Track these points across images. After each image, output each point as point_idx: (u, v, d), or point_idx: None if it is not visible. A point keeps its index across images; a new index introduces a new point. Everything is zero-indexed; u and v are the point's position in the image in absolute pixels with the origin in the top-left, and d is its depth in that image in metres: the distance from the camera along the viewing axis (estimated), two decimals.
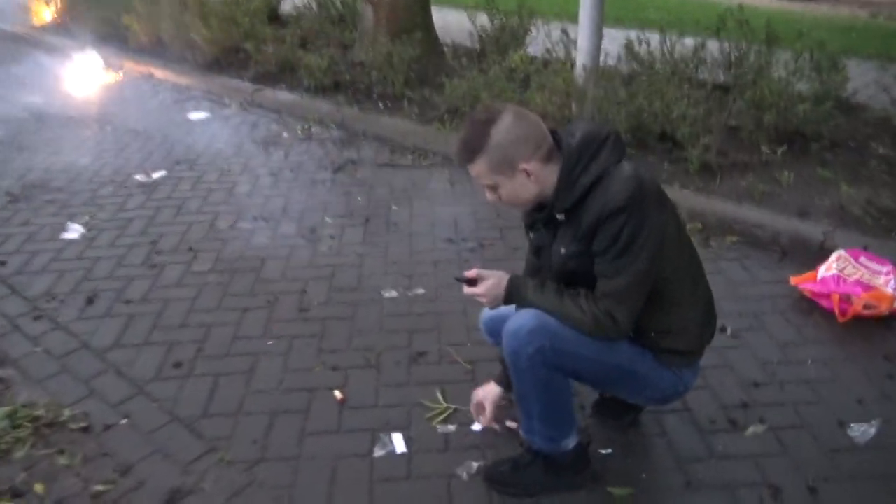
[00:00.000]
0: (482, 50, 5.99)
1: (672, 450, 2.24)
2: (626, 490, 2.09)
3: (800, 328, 2.82)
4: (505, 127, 1.75)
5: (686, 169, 4.01)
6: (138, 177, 4.45)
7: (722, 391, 2.47)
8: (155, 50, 7.07)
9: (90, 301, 3.15)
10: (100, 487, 2.17)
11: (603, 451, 2.23)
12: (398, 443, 2.29)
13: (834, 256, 2.98)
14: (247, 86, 6.03)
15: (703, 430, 2.30)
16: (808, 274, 2.98)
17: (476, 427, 2.34)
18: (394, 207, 3.97)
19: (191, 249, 3.58)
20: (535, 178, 1.78)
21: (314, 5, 7.30)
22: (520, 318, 1.84)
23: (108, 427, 2.41)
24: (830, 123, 4.24)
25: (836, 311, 2.81)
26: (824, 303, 2.87)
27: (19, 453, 2.30)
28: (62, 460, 2.27)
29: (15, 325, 2.98)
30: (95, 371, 2.69)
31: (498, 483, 2.11)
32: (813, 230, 3.34)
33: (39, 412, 2.46)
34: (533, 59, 5.32)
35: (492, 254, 3.46)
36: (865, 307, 2.76)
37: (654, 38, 4.83)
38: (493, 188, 1.82)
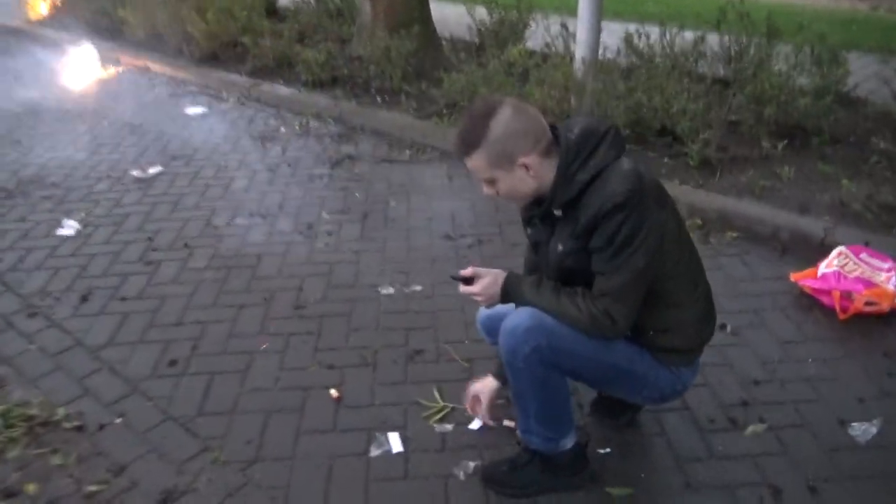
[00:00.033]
0: (481, 44, 5.95)
1: (671, 449, 2.22)
2: (624, 490, 2.07)
3: (800, 325, 2.79)
4: (504, 120, 1.72)
5: (686, 164, 3.98)
6: (134, 172, 4.42)
7: (721, 389, 2.45)
8: (151, 43, 7.03)
9: (85, 298, 3.13)
10: (93, 488, 2.15)
11: (601, 451, 2.21)
12: (395, 442, 2.27)
13: (835, 253, 2.95)
14: (244, 80, 5.99)
15: (702, 429, 2.28)
16: (809, 270, 2.96)
17: (473, 426, 2.32)
18: (391, 203, 3.95)
19: (187, 246, 3.55)
20: (534, 173, 1.75)
21: None
22: (516, 317, 1.81)
23: (102, 426, 2.40)
24: (831, 118, 4.20)
25: (837, 308, 2.78)
26: (825, 299, 2.84)
27: (12, 453, 2.28)
28: (56, 460, 2.26)
29: (9, 322, 2.96)
30: (90, 369, 2.68)
31: (495, 483, 2.09)
32: (813, 226, 3.31)
33: (33, 411, 2.45)
34: (532, 53, 5.28)
35: (490, 250, 3.44)
36: (866, 304, 2.73)
37: (654, 31, 4.79)
38: (491, 182, 1.80)
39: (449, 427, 2.33)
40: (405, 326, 2.87)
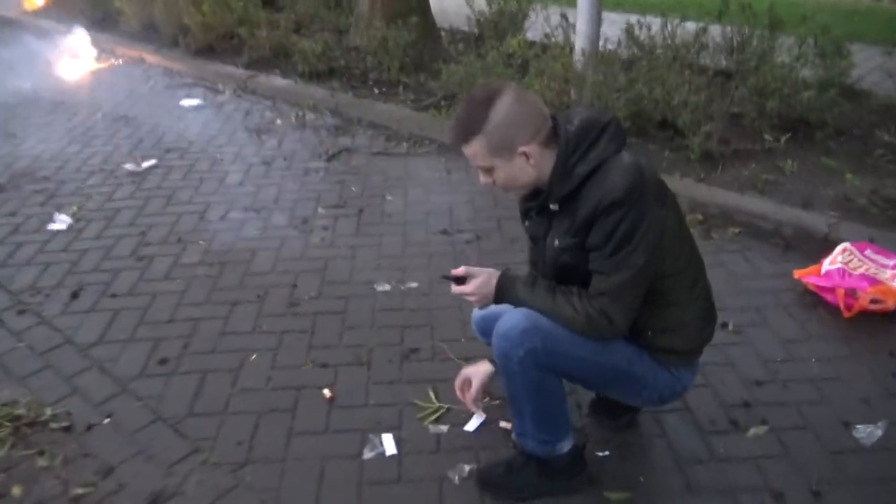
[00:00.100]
0: (480, 35, 5.88)
1: (671, 451, 2.16)
2: (623, 494, 2.02)
3: (803, 324, 2.74)
4: (505, 107, 1.65)
5: (687, 157, 3.92)
6: (128, 166, 4.36)
7: (723, 390, 2.40)
8: (147, 35, 6.97)
9: (75, 295, 3.08)
10: (80, 490, 2.10)
11: (600, 454, 2.16)
12: (388, 444, 2.22)
13: (839, 249, 2.89)
14: (240, 72, 5.92)
15: (703, 430, 2.23)
16: (812, 267, 2.90)
17: (469, 427, 2.27)
18: (388, 197, 3.89)
19: (180, 241, 3.49)
20: (534, 163, 1.69)
21: None
22: (511, 319, 1.76)
23: (90, 427, 2.35)
24: (835, 111, 4.14)
25: (842, 306, 2.72)
26: (829, 297, 2.78)
27: None
28: (42, 462, 2.21)
29: None
30: (79, 368, 2.63)
31: (491, 486, 2.04)
32: (817, 221, 3.25)
33: (20, 411, 2.40)
34: (532, 44, 5.21)
35: (488, 246, 3.38)
36: (872, 302, 2.67)
37: (655, 22, 4.72)
38: (489, 171, 1.73)
39: (444, 428, 2.28)
40: (401, 324, 2.81)
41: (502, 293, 1.83)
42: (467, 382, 2.03)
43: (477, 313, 2.10)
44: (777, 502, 1.99)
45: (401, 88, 5.29)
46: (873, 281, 2.70)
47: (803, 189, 3.56)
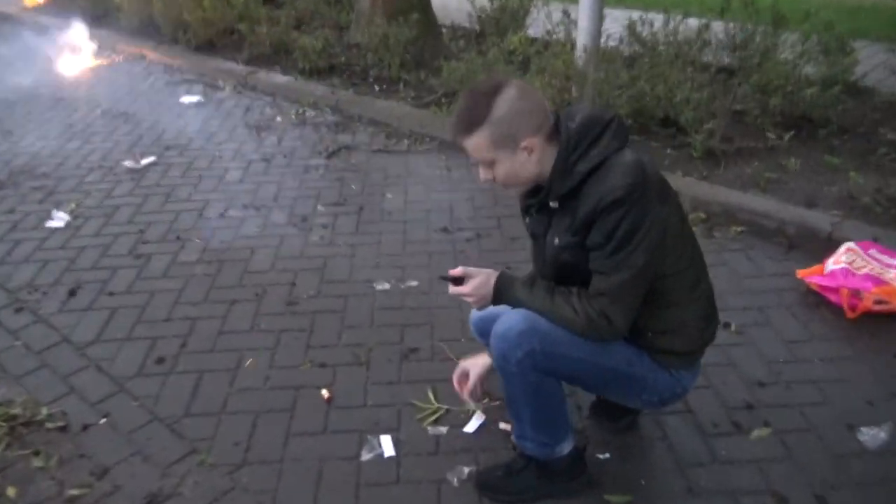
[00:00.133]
0: (481, 31, 5.85)
1: (673, 454, 2.14)
2: (624, 497, 2.00)
3: (806, 324, 2.71)
4: (509, 99, 1.63)
5: (689, 155, 3.89)
6: (127, 163, 4.34)
7: (725, 391, 2.37)
8: (147, 31, 6.94)
9: (73, 293, 3.06)
10: (75, 492, 2.09)
11: (600, 456, 2.13)
12: (387, 445, 2.19)
13: (843, 248, 2.86)
14: (240, 68, 5.89)
15: (705, 433, 2.20)
16: (816, 267, 2.87)
17: (468, 429, 2.25)
18: (388, 195, 3.86)
19: (178, 239, 3.47)
20: (536, 158, 1.67)
21: None
22: (509, 320, 1.73)
23: (86, 427, 2.33)
24: (838, 108, 4.11)
25: (845, 306, 2.69)
26: (832, 297, 2.76)
27: None
28: (37, 462, 2.19)
29: None
30: (76, 367, 2.61)
31: (489, 489, 2.02)
32: (821, 220, 3.22)
33: (16, 410, 2.38)
34: (533, 41, 5.18)
35: (489, 244, 3.35)
36: (876, 303, 2.64)
37: (658, 18, 4.69)
38: (490, 165, 1.70)
39: (443, 430, 2.26)
40: (400, 323, 2.79)
41: (500, 294, 1.80)
42: (465, 375, 2.00)
43: (475, 314, 2.08)
44: None
45: (401, 85, 5.26)
46: (878, 281, 2.67)
47: (806, 187, 3.53)
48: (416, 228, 3.51)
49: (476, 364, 2.04)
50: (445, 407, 2.33)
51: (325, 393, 2.42)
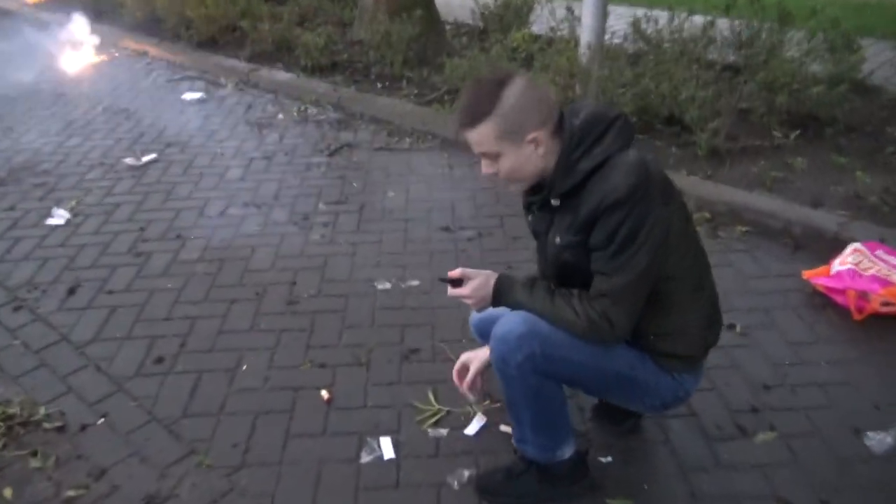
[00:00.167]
0: (484, 28, 5.81)
1: (675, 458, 2.11)
2: (626, 501, 1.97)
3: (812, 326, 2.67)
4: (516, 91, 1.60)
5: (694, 154, 3.85)
6: (128, 160, 4.31)
7: (729, 394, 2.34)
8: (149, 27, 6.92)
9: (72, 291, 3.04)
10: (71, 493, 2.07)
11: (602, 459, 2.10)
12: (386, 448, 2.17)
13: (849, 249, 2.82)
14: (243, 65, 5.86)
15: (709, 436, 2.17)
16: (822, 268, 2.83)
17: (469, 431, 2.22)
18: (390, 193, 3.83)
19: (178, 237, 3.45)
20: (542, 152, 1.64)
21: None
22: (508, 322, 1.71)
23: (84, 427, 2.31)
24: (845, 106, 4.07)
25: (852, 307, 2.66)
26: (839, 299, 2.72)
27: None
28: (35, 463, 2.18)
29: None
30: (74, 366, 2.59)
31: (490, 493, 1.99)
32: (827, 220, 3.18)
33: (14, 410, 2.37)
34: (537, 38, 5.14)
35: (490, 243, 3.32)
36: (883, 305, 2.60)
37: (663, 15, 4.64)
38: (495, 158, 1.66)
39: (443, 432, 2.23)
40: (401, 323, 2.76)
41: (500, 296, 1.78)
42: (465, 368, 1.95)
43: (475, 315, 2.05)
44: None
45: (404, 83, 5.22)
46: (885, 283, 2.63)
47: (813, 187, 3.49)
48: (418, 227, 3.48)
49: (476, 357, 1.97)
50: (446, 409, 2.31)
51: (324, 394, 2.40)
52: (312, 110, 5.04)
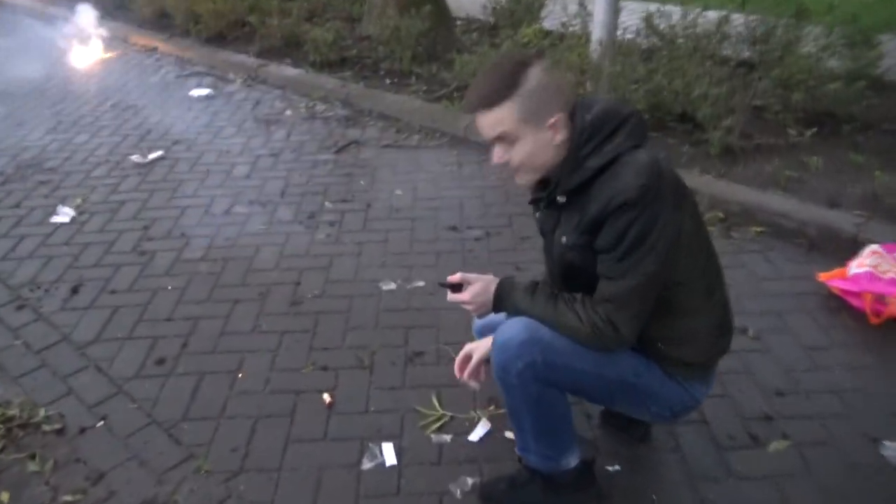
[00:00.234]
0: (495, 24, 5.74)
1: (685, 467, 2.05)
2: None
3: (828, 330, 2.60)
4: (540, 72, 1.55)
5: (707, 152, 3.77)
6: (134, 157, 4.29)
7: (742, 400, 2.27)
8: (159, 23, 6.91)
9: (75, 290, 3.01)
10: (68, 497, 2.04)
11: (609, 468, 2.05)
12: (388, 454, 2.12)
13: (867, 251, 2.75)
14: (251, 61, 5.83)
15: (720, 445, 2.11)
16: (838, 270, 2.76)
17: (473, 437, 2.17)
18: (397, 192, 3.78)
19: (183, 235, 3.42)
20: (560, 140, 1.57)
21: None
22: (509, 329, 1.65)
23: (83, 430, 2.29)
24: (863, 104, 3.98)
25: (869, 311, 2.59)
26: (855, 302, 2.65)
27: None
28: (32, 466, 2.15)
29: None
30: (75, 367, 2.56)
31: (493, 502, 1.94)
32: (844, 221, 3.10)
33: (13, 412, 2.34)
34: (548, 33, 5.07)
35: (498, 243, 3.26)
36: None
37: (676, 11, 4.57)
38: (511, 144, 1.58)
39: (447, 438, 2.18)
40: (405, 325, 2.72)
41: (500, 301, 1.73)
42: (467, 359, 1.86)
43: (478, 322, 1.99)
44: None
45: (413, 79, 5.17)
46: None
47: (829, 186, 3.40)
48: (425, 226, 3.43)
49: (480, 346, 1.87)
50: (450, 414, 2.26)
51: (326, 397, 2.36)
52: (320, 106, 5.00)
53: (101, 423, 2.31)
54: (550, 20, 5.48)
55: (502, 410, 2.21)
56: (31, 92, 5.54)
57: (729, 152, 3.73)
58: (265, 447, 2.19)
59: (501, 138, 1.59)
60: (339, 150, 4.31)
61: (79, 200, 3.78)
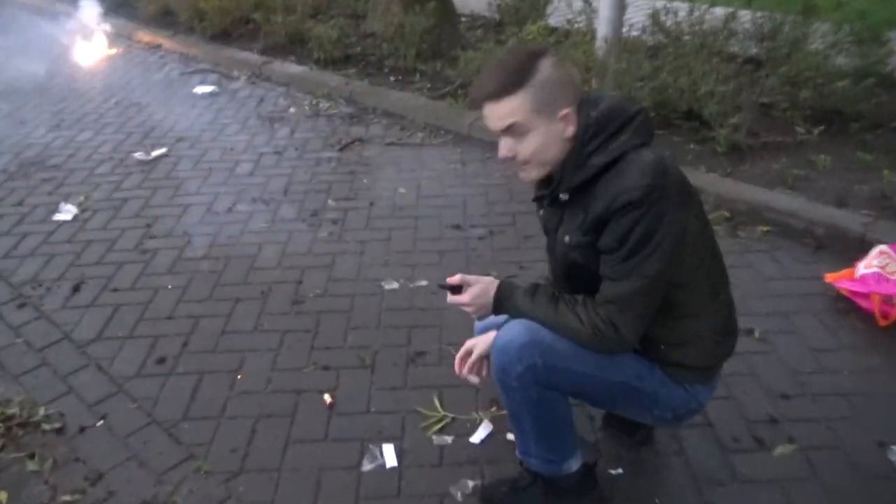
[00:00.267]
0: (500, 20, 5.71)
1: (689, 471, 2.02)
2: None
3: (835, 332, 2.57)
4: (550, 64, 1.53)
5: (713, 150, 3.74)
6: (137, 154, 4.28)
7: (747, 403, 2.24)
8: (163, 20, 6.90)
9: (76, 288, 3.00)
10: (67, 497, 2.03)
11: (612, 471, 2.02)
12: (389, 455, 2.10)
13: (875, 252, 2.71)
14: (255, 58, 5.81)
15: (724, 448, 2.08)
16: (846, 271, 2.73)
17: (475, 439, 2.15)
18: (400, 190, 3.76)
19: (185, 234, 3.40)
20: (569, 134, 1.55)
21: None
22: (509, 332, 1.63)
23: (82, 429, 2.27)
24: (872, 102, 3.95)
25: (877, 313, 2.55)
26: (863, 303, 2.61)
27: None
28: (32, 465, 2.14)
29: None
30: (75, 366, 2.55)
31: None
32: (852, 220, 3.07)
33: (13, 410, 2.33)
34: (553, 30, 5.04)
35: (501, 242, 3.24)
36: None
37: (682, 7, 4.53)
38: (521, 136, 1.55)
39: (448, 439, 2.16)
40: (408, 325, 2.70)
41: (501, 304, 1.70)
42: (468, 353, 1.82)
43: (478, 324, 1.97)
44: None
45: (417, 76, 5.15)
46: None
47: (837, 185, 3.36)
48: (428, 225, 3.40)
49: (481, 342, 1.82)
50: (451, 415, 2.24)
51: (327, 398, 2.34)
52: (324, 104, 4.98)
53: (101, 422, 2.29)
54: (556, 17, 5.45)
55: (504, 412, 2.18)
56: (34, 89, 5.53)
57: (735, 150, 3.70)
58: (265, 447, 2.17)
59: (511, 130, 1.56)
60: (343, 148, 4.29)
61: (81, 198, 3.77)
